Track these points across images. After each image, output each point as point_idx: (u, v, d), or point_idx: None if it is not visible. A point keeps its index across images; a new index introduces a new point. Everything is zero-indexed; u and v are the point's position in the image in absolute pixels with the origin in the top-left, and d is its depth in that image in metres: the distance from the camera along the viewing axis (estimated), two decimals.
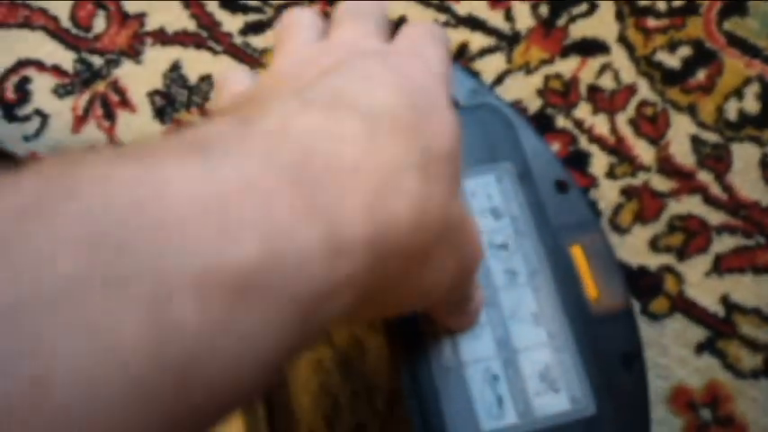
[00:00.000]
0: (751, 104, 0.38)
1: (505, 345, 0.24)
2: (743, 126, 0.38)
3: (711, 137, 0.38)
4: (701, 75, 0.39)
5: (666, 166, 0.37)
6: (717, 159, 0.37)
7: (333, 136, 0.12)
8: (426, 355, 0.23)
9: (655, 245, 0.36)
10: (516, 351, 0.24)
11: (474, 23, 0.42)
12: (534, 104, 0.39)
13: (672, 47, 0.40)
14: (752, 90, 0.39)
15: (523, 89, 0.40)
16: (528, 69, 0.40)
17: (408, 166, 0.13)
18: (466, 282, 0.19)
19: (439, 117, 0.15)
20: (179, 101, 0.41)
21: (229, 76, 0.21)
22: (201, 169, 0.10)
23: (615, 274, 0.29)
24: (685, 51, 0.40)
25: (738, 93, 0.39)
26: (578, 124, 0.39)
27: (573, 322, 0.26)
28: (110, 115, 0.41)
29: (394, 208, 0.12)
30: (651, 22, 0.41)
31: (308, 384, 0.30)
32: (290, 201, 0.11)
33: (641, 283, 0.35)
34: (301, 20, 0.20)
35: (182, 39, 0.43)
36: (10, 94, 0.42)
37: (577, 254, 0.29)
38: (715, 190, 0.37)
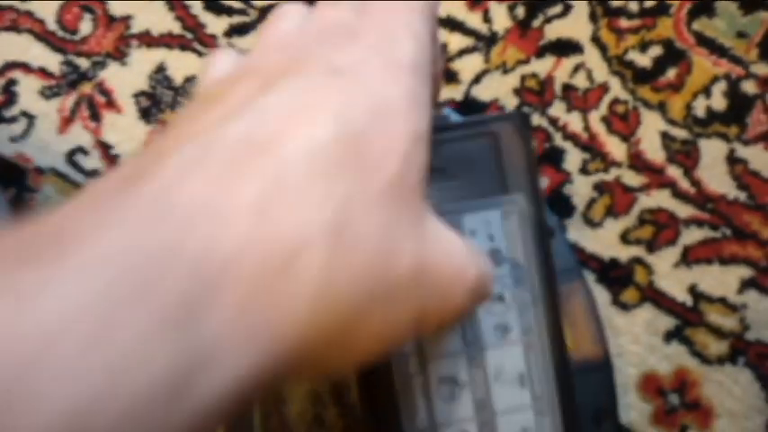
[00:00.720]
0: (718, 102, 0.40)
1: (485, 407, 0.22)
2: (711, 122, 0.39)
3: (680, 133, 0.39)
4: (670, 73, 0.41)
5: (637, 161, 0.39)
6: (686, 155, 0.39)
7: (216, 213, 0.10)
8: (399, 418, 0.22)
9: (625, 237, 0.37)
10: (495, 414, 0.22)
11: (453, 24, 0.43)
12: (511, 103, 0.41)
13: (643, 47, 0.42)
14: (719, 88, 0.40)
15: (500, 88, 0.41)
16: (505, 69, 0.42)
17: (314, 234, 0.11)
18: (451, 319, 0.15)
19: (385, 140, 0.12)
20: (164, 102, 0.42)
21: (212, 58, 0.17)
22: (15, 303, 0.09)
23: (595, 325, 0.29)
24: (656, 51, 0.41)
25: (706, 90, 0.40)
26: (553, 122, 0.40)
27: (559, 381, 0.23)
28: (96, 116, 0.42)
29: (283, 300, 0.10)
30: (623, 23, 0.42)
31: (304, 414, 0.31)
32: (135, 324, 0.09)
33: (612, 275, 0.36)
34: (282, 11, 0.17)
35: (167, 41, 0.44)
36: None
37: None
38: (684, 184, 0.38)
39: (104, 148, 0.41)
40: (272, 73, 0.13)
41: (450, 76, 0.42)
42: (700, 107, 0.40)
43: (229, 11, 0.44)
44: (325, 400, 0.31)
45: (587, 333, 0.29)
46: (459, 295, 0.14)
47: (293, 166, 0.11)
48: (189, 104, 0.15)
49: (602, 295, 0.36)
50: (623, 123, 0.40)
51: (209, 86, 0.15)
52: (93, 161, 0.41)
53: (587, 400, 0.28)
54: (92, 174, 0.41)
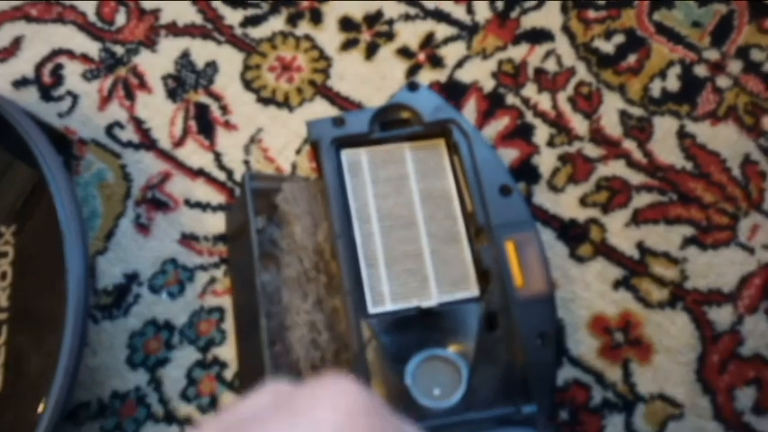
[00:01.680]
0: (673, 83, 0.45)
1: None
2: (665, 102, 0.45)
3: (637, 111, 0.45)
4: (631, 59, 0.46)
5: (597, 136, 0.44)
6: (640, 130, 0.44)
7: None
8: None
9: (584, 201, 0.43)
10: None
11: (440, 16, 0.49)
12: (489, 85, 0.47)
13: (608, 35, 0.47)
14: (674, 71, 0.46)
15: (480, 72, 0.47)
16: (485, 55, 0.48)
17: None
18: None
19: None
20: (188, 83, 0.49)
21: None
22: None
23: (544, 267, 0.35)
24: (619, 39, 0.47)
25: (663, 74, 0.46)
26: (525, 101, 0.46)
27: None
28: (130, 95, 0.49)
29: None
30: (591, 14, 0.48)
31: (302, 339, 0.37)
32: None
33: (571, 233, 0.42)
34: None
35: (190, 30, 0.50)
36: (46, 78, 0.50)
37: (510, 248, 0.35)
38: (637, 155, 0.44)
39: (137, 122, 0.48)
40: None
41: (436, 61, 0.48)
42: (656, 88, 0.45)
43: (244, 3, 0.51)
44: (319, 327, 0.37)
45: (538, 274, 0.35)
46: None
47: None
48: None
49: (561, 250, 0.42)
50: (587, 103, 0.45)
51: None
52: (128, 134, 0.48)
53: (535, 324, 0.34)
54: (127, 144, 0.48)
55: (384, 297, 0.37)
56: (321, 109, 0.47)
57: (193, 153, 0.47)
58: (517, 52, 0.47)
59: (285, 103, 0.48)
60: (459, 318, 0.35)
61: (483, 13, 0.49)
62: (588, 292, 0.41)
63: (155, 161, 0.47)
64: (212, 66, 0.49)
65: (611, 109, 0.45)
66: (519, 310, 0.34)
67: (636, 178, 0.43)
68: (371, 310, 0.36)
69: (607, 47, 0.47)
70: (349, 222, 0.38)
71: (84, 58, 0.51)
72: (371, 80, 0.48)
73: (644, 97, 0.45)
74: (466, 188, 0.38)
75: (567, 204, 0.43)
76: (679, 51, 0.46)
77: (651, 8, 0.47)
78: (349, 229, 0.37)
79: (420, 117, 0.39)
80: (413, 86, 0.40)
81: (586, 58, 0.47)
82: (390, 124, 0.40)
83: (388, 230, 0.38)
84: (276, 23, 0.50)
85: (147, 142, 0.48)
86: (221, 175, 0.46)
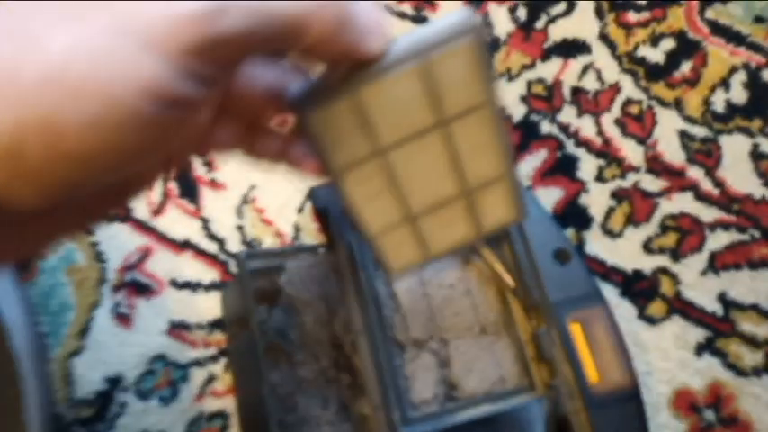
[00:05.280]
0: (738, 94, 0.38)
1: None
2: (731, 117, 0.38)
3: (700, 131, 0.38)
4: (685, 68, 0.39)
5: (656, 165, 0.38)
6: (706, 154, 0.37)
7: None
8: None
9: (648, 247, 0.36)
10: None
11: None
12: (518, 112, 0.40)
13: (654, 41, 0.40)
14: (738, 79, 0.39)
15: (507, 96, 0.40)
16: (510, 76, 0.41)
17: None
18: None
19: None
20: None
21: None
22: None
23: (620, 352, 0.28)
24: (668, 44, 0.40)
25: (725, 83, 0.39)
26: (564, 128, 0.39)
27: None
28: None
29: None
30: (632, 17, 0.41)
31: (318, 335, 0.32)
32: None
33: (637, 288, 0.35)
34: None
35: None
36: None
37: (576, 330, 0.28)
38: (706, 186, 0.37)
39: None
40: None
41: None
42: (718, 101, 0.38)
43: None
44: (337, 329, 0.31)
45: (613, 361, 0.29)
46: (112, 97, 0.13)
47: None
48: None
49: (627, 310, 0.35)
50: (638, 125, 0.39)
51: None
52: None
53: (618, 429, 0.27)
54: None
55: (422, 402, 0.30)
56: None
57: (176, 222, 0.40)
58: (548, 69, 0.40)
59: None
60: (519, 425, 0.28)
61: (503, 24, 0.42)
62: (666, 361, 0.34)
63: (131, 235, 0.40)
64: None
65: (668, 130, 0.38)
66: (597, 413, 0.28)
67: (708, 214, 0.36)
68: (408, 422, 0.29)
69: (655, 55, 0.40)
70: (374, 312, 0.31)
71: None
72: None
73: (706, 113, 0.38)
74: (510, 256, 0.31)
75: (628, 252, 0.36)
76: (741, 54, 0.39)
77: (702, 5, 0.40)
78: (374, 320, 0.31)
79: None
80: None
81: (632, 70, 0.40)
82: None
83: (417, 316, 0.32)
84: None
85: (122, 213, 0.41)
86: (212, 247, 0.39)
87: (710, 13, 0.40)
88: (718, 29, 0.40)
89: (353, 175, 0.20)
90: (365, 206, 0.21)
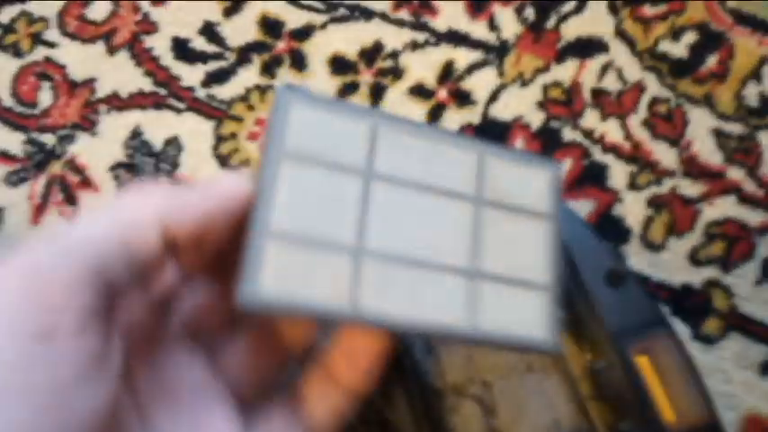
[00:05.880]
0: None
1: None
2: (767, 110, 0.35)
3: (735, 128, 0.35)
4: (711, 61, 0.36)
5: (692, 167, 0.35)
6: (745, 152, 0.35)
7: None
8: None
9: (695, 258, 0.33)
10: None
11: (456, 38, 0.39)
12: (537, 119, 0.37)
13: (675, 34, 0.37)
14: None
15: (521, 104, 0.37)
16: (523, 81, 0.37)
17: None
18: None
19: None
20: (146, 171, 0.38)
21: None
22: None
23: (694, 384, 0.25)
24: (690, 37, 0.37)
25: (756, 75, 0.36)
26: (588, 134, 0.36)
27: None
28: (71, 199, 0.38)
29: None
30: (648, 11, 0.38)
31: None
32: None
33: (688, 305, 0.32)
34: None
35: (139, 101, 0.39)
36: None
37: (644, 364, 0.25)
38: (749, 187, 0.34)
39: None
40: None
41: (463, 98, 0.37)
42: (751, 95, 0.36)
43: (203, 57, 0.40)
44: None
45: (689, 395, 0.25)
46: None
47: None
48: None
49: (680, 330, 0.32)
50: (668, 125, 0.36)
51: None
52: None
53: None
54: None
55: None
56: None
57: None
58: (564, 72, 0.37)
59: None
60: None
61: (510, 27, 0.39)
62: (730, 384, 0.31)
63: None
64: (174, 143, 0.38)
65: (701, 129, 0.35)
66: None
67: (754, 217, 0.33)
68: None
69: (678, 50, 0.37)
70: (404, 355, 0.27)
71: (4, 156, 0.39)
72: None
73: (740, 108, 0.35)
74: None
75: (673, 266, 0.33)
76: None
77: None
78: (406, 366, 0.27)
79: None
80: None
81: (655, 67, 0.37)
82: None
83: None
84: (249, 76, 0.39)
85: None
86: None
87: (732, 3, 0.37)
88: (742, 18, 0.37)
89: None
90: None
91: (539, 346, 0.18)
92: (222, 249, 0.17)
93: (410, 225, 0.17)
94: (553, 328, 0.18)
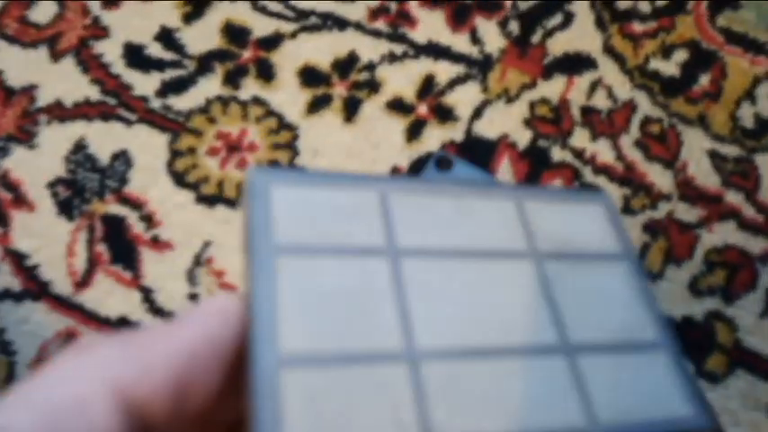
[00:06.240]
0: (767, 107, 0.34)
1: None
2: (763, 133, 0.34)
3: (731, 150, 0.33)
4: (703, 80, 0.35)
5: (688, 190, 0.32)
6: (742, 176, 0.33)
7: None
8: None
9: (695, 288, 0.30)
10: None
11: (436, 51, 0.36)
12: (523, 138, 0.34)
13: (665, 52, 0.36)
14: (764, 91, 0.35)
15: (507, 121, 0.34)
16: (508, 97, 0.35)
17: None
18: None
19: None
20: (89, 189, 0.34)
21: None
22: None
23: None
24: (681, 55, 0.35)
25: (750, 95, 0.34)
26: (578, 154, 0.34)
27: None
28: (1, 219, 0.33)
29: None
30: (637, 27, 0.36)
31: None
32: None
33: (689, 338, 0.29)
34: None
35: (84, 110, 0.35)
36: None
37: None
38: (749, 212, 0.32)
39: (16, 259, 0.32)
40: None
41: (444, 114, 0.35)
42: (746, 116, 0.34)
43: (160, 65, 0.36)
44: None
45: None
46: None
47: None
48: None
49: None
50: (662, 146, 0.34)
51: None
52: (2, 279, 0.32)
53: None
54: (2, 295, 0.31)
55: None
56: None
57: (108, 295, 0.31)
58: (551, 88, 0.35)
59: (239, 200, 0.33)
60: None
61: (494, 40, 0.36)
62: (737, 426, 0.28)
63: (49, 316, 0.31)
64: (122, 158, 0.34)
65: (696, 151, 0.33)
66: None
67: (755, 244, 0.31)
68: None
69: (669, 68, 0.35)
70: None
71: None
72: (360, 151, 0.34)
73: (734, 130, 0.34)
74: None
75: (672, 296, 0.30)
76: (762, 63, 0.35)
77: (712, 11, 0.36)
78: None
79: None
80: (443, 163, 0.26)
81: (646, 85, 0.35)
82: None
83: None
84: (209, 86, 0.36)
85: (35, 288, 0.32)
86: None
87: (722, 21, 0.36)
88: (732, 37, 0.36)
89: None
90: None
91: (690, 426, 0.13)
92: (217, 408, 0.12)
93: (466, 305, 0.13)
94: (697, 396, 0.13)
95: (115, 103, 0.36)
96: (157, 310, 0.31)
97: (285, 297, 0.12)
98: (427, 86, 0.36)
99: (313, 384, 0.11)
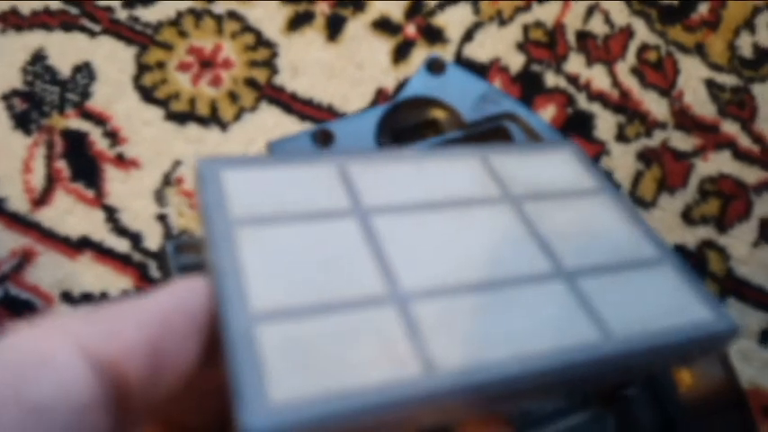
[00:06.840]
0: (766, 37, 0.33)
1: None
2: (762, 63, 0.33)
3: (728, 79, 0.32)
4: (702, 8, 0.34)
5: (684, 119, 0.31)
6: (739, 105, 0.32)
7: None
8: None
9: (688, 217, 0.30)
10: None
11: None
12: (516, 62, 0.33)
13: None
14: (763, 20, 0.33)
15: (500, 44, 0.33)
16: (501, 20, 0.33)
17: None
18: None
19: None
20: (48, 101, 0.31)
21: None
22: None
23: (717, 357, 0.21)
24: None
25: (749, 25, 0.33)
26: (572, 80, 0.32)
27: None
28: None
29: None
30: None
31: None
32: None
33: None
34: None
35: (43, 20, 0.33)
36: None
37: None
38: (744, 142, 0.31)
39: None
40: None
41: (433, 35, 0.33)
42: (745, 45, 0.33)
43: None
44: None
45: (713, 369, 0.21)
46: None
47: None
48: None
49: None
50: (658, 74, 0.32)
51: None
52: None
53: None
54: None
55: None
56: (271, 121, 0.31)
57: (69, 213, 0.29)
58: (547, 12, 0.34)
59: (213, 118, 0.31)
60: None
61: None
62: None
63: (3, 234, 0.29)
64: (85, 70, 0.32)
65: (693, 79, 0.32)
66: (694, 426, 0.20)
67: (751, 174, 0.30)
68: None
69: None
70: None
71: None
72: (343, 71, 0.32)
73: (732, 59, 0.33)
74: None
75: (665, 224, 0.29)
76: None
77: None
78: None
79: (456, 116, 0.24)
80: (435, 66, 0.25)
81: (643, 12, 0.33)
82: (408, 133, 0.24)
83: None
84: None
85: None
86: (121, 245, 0.29)
87: None
88: None
89: None
90: None
91: (714, 329, 0.12)
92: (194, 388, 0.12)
93: (449, 248, 0.12)
94: (713, 301, 0.12)
95: (78, 12, 0.33)
96: (122, 230, 0.29)
97: (249, 261, 0.11)
98: (416, 6, 0.34)
99: (293, 335, 0.10)
